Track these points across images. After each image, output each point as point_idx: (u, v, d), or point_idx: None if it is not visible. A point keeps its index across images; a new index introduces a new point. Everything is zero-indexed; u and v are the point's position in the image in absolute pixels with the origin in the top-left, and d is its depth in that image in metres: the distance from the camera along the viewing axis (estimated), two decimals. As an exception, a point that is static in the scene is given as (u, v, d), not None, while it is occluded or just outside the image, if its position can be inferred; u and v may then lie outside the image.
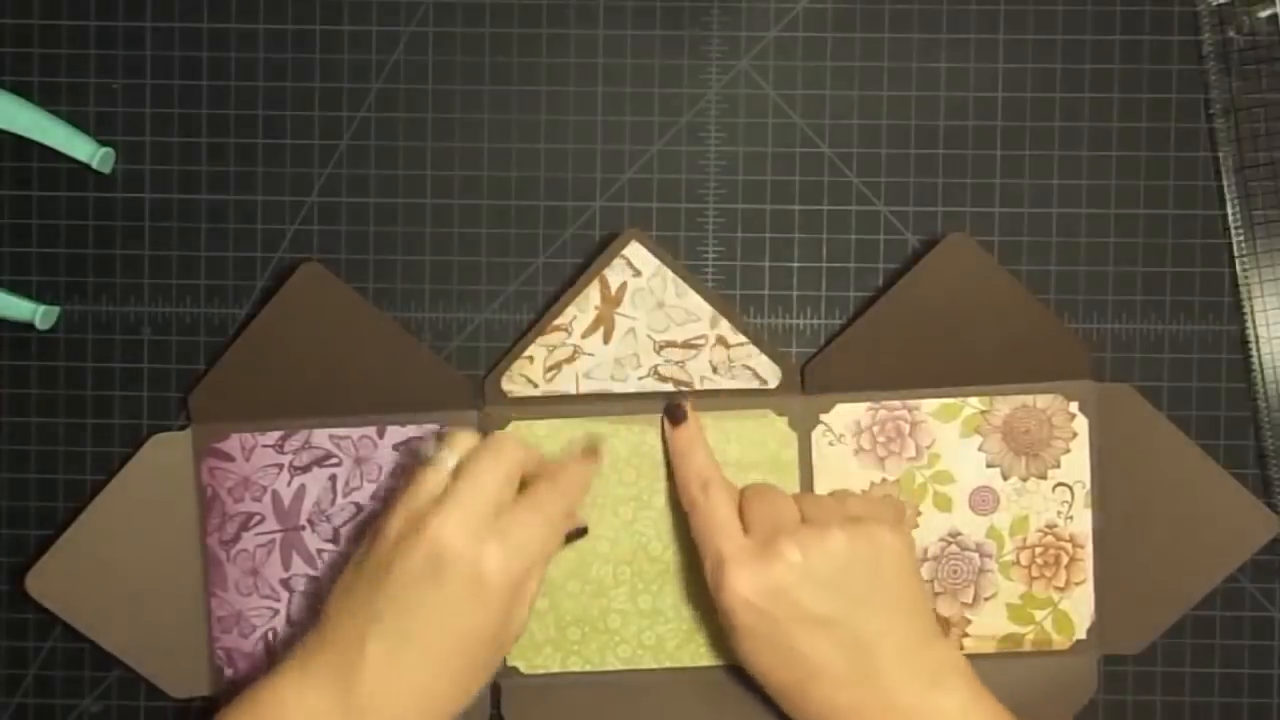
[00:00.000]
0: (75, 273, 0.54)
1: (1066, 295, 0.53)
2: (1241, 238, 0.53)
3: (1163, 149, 0.53)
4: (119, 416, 0.54)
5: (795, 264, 0.54)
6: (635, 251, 0.52)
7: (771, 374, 0.52)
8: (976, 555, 0.52)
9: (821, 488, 0.52)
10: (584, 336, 0.52)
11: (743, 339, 0.52)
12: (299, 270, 0.51)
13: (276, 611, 0.53)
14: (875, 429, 0.52)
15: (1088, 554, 0.52)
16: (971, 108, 0.53)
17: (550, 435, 0.52)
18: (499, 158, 0.54)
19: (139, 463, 0.52)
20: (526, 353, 0.52)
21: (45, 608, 0.52)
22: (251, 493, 0.52)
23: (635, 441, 0.52)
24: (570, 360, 0.52)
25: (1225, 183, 0.53)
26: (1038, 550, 0.52)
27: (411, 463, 0.48)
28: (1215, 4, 0.53)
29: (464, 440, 0.48)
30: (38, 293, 0.54)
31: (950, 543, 0.52)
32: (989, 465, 0.52)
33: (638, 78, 0.54)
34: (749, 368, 0.52)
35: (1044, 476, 0.52)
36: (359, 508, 0.53)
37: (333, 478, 0.52)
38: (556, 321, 0.52)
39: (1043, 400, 0.52)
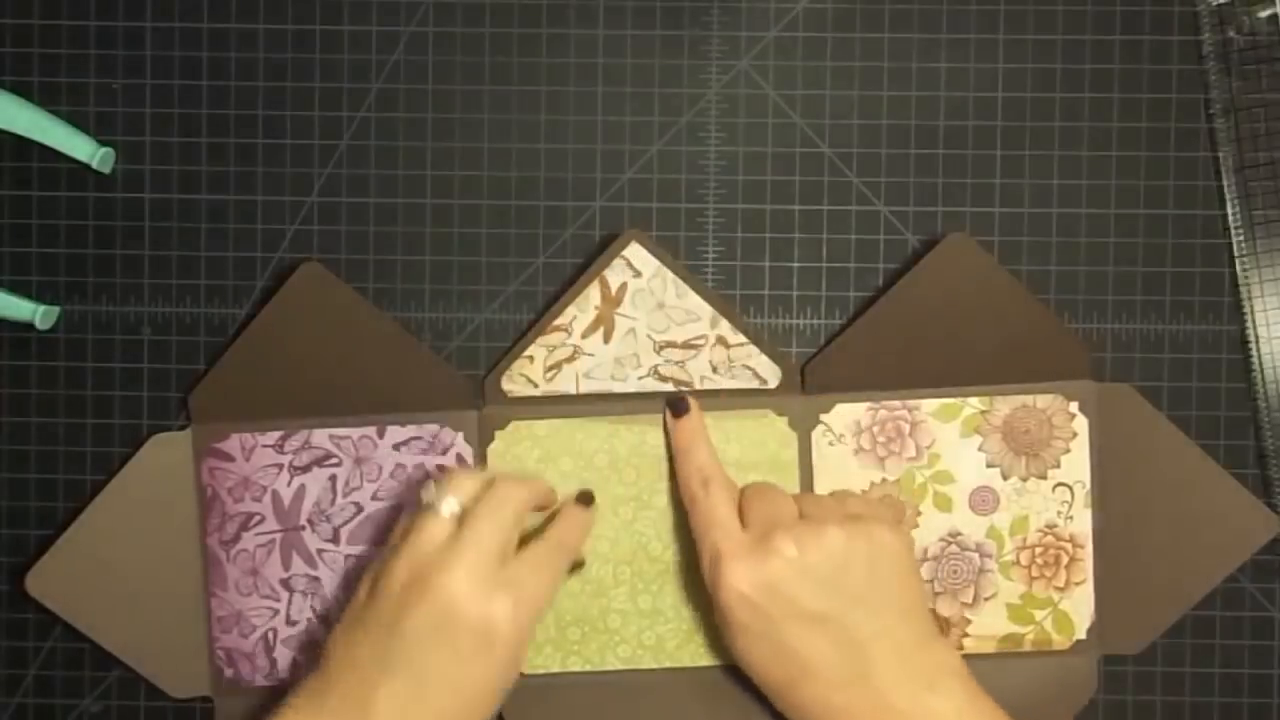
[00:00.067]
0: (75, 273, 0.54)
1: (1066, 295, 0.53)
2: (1241, 238, 0.53)
3: (1163, 149, 0.53)
4: (119, 416, 0.54)
5: (795, 264, 0.54)
6: (635, 252, 0.52)
7: (771, 374, 0.52)
8: (976, 555, 0.52)
9: (821, 488, 0.52)
10: (584, 336, 0.52)
11: (743, 339, 0.52)
12: (299, 270, 0.51)
13: (276, 611, 0.53)
14: (875, 429, 0.52)
15: (1088, 554, 0.52)
16: (971, 108, 0.53)
17: (550, 435, 0.52)
18: (499, 158, 0.54)
19: (139, 463, 0.52)
20: (526, 352, 0.52)
21: (45, 608, 0.52)
22: (251, 493, 0.52)
23: (635, 442, 0.52)
24: (570, 360, 0.52)
25: (1225, 183, 0.53)
26: (1038, 550, 0.52)
27: (412, 507, 0.48)
28: (1215, 4, 0.53)
29: (465, 484, 0.47)
30: (38, 293, 0.54)
31: (950, 543, 0.52)
32: (989, 465, 0.52)
33: (638, 78, 0.54)
34: (749, 368, 0.52)
35: (1044, 476, 0.52)
36: (359, 508, 0.53)
37: (333, 478, 0.52)
38: (557, 321, 0.52)
39: (1043, 400, 0.52)
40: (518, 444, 0.52)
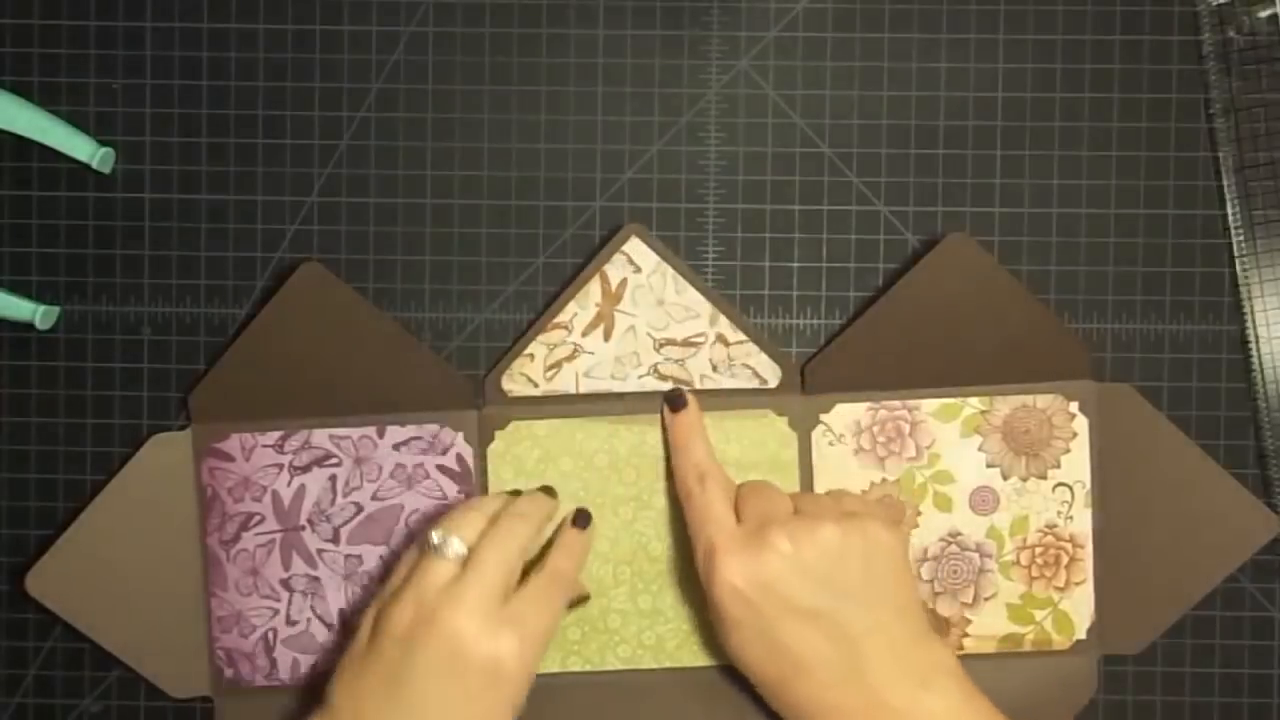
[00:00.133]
0: (75, 273, 0.54)
1: (1066, 295, 0.53)
2: (1241, 238, 0.53)
3: (1163, 149, 0.53)
4: (119, 416, 0.54)
5: (795, 264, 0.54)
6: (635, 247, 0.52)
7: (771, 373, 0.52)
8: (976, 555, 0.52)
9: (821, 488, 0.52)
10: (584, 334, 0.52)
11: (742, 337, 0.52)
12: (299, 270, 0.51)
13: (276, 611, 0.53)
14: (875, 429, 0.52)
15: (1088, 554, 0.52)
16: (971, 108, 0.53)
17: (550, 435, 0.52)
18: (499, 158, 0.54)
19: (139, 463, 0.52)
20: (527, 351, 0.52)
21: (45, 608, 0.52)
22: (251, 493, 0.52)
23: (635, 441, 0.52)
24: (570, 359, 0.52)
25: (1225, 183, 0.53)
26: (1038, 550, 0.52)
27: (415, 549, 0.48)
28: (1215, 4, 0.53)
29: (470, 524, 0.48)
30: (38, 293, 0.54)
31: (950, 543, 0.52)
32: (989, 465, 0.52)
33: (638, 78, 0.54)
34: (749, 366, 0.52)
35: (1044, 476, 0.52)
36: (359, 508, 0.53)
37: (333, 478, 0.52)
38: (557, 319, 0.52)
39: (1043, 400, 0.52)
40: (518, 444, 0.52)
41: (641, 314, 0.52)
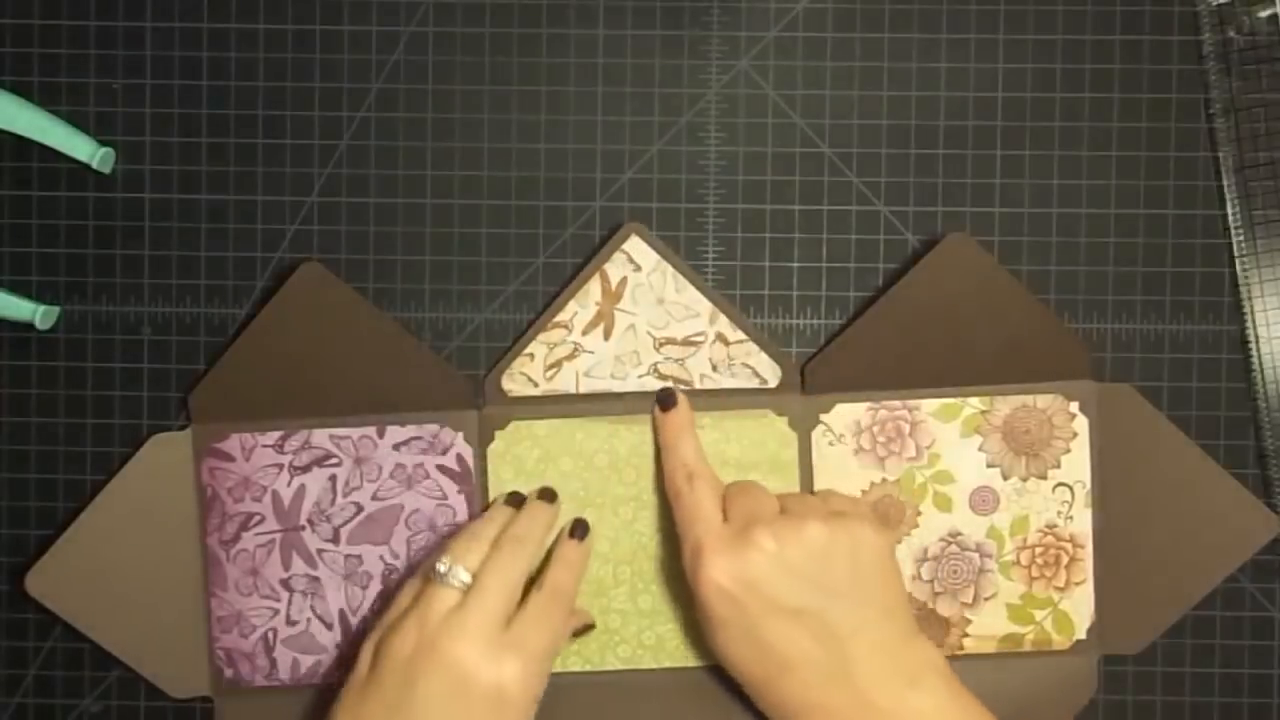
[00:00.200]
0: (75, 273, 0.54)
1: (1066, 295, 0.53)
2: (1241, 238, 0.53)
3: (1163, 149, 0.53)
4: (119, 416, 0.54)
5: (795, 264, 0.54)
6: (635, 245, 0.52)
7: (771, 373, 0.52)
8: (976, 555, 0.52)
9: (821, 487, 0.52)
10: (584, 333, 0.52)
11: (742, 336, 0.52)
12: (299, 270, 0.51)
13: (276, 611, 0.53)
14: (875, 429, 0.52)
15: (1088, 554, 0.52)
16: (971, 108, 0.53)
17: (550, 435, 0.52)
18: (499, 158, 0.54)
19: (139, 463, 0.52)
20: (527, 350, 0.52)
21: (45, 608, 0.52)
22: (251, 493, 0.52)
23: (635, 441, 0.52)
24: (570, 358, 0.52)
25: (1225, 183, 0.53)
26: (1038, 550, 0.52)
27: (418, 578, 0.49)
28: (1215, 4, 0.53)
29: (474, 552, 0.48)
30: (38, 293, 0.54)
31: (950, 543, 0.52)
32: (989, 465, 0.52)
33: (638, 78, 0.54)
34: (749, 366, 0.52)
35: (1044, 476, 0.52)
36: (359, 508, 0.53)
37: (333, 478, 0.52)
38: (558, 318, 0.52)
39: (1043, 400, 0.52)
40: (518, 444, 0.52)
41: (641, 313, 0.52)
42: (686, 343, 0.52)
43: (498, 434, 0.52)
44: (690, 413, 0.52)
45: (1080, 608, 0.52)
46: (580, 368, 0.52)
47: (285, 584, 0.53)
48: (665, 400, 0.52)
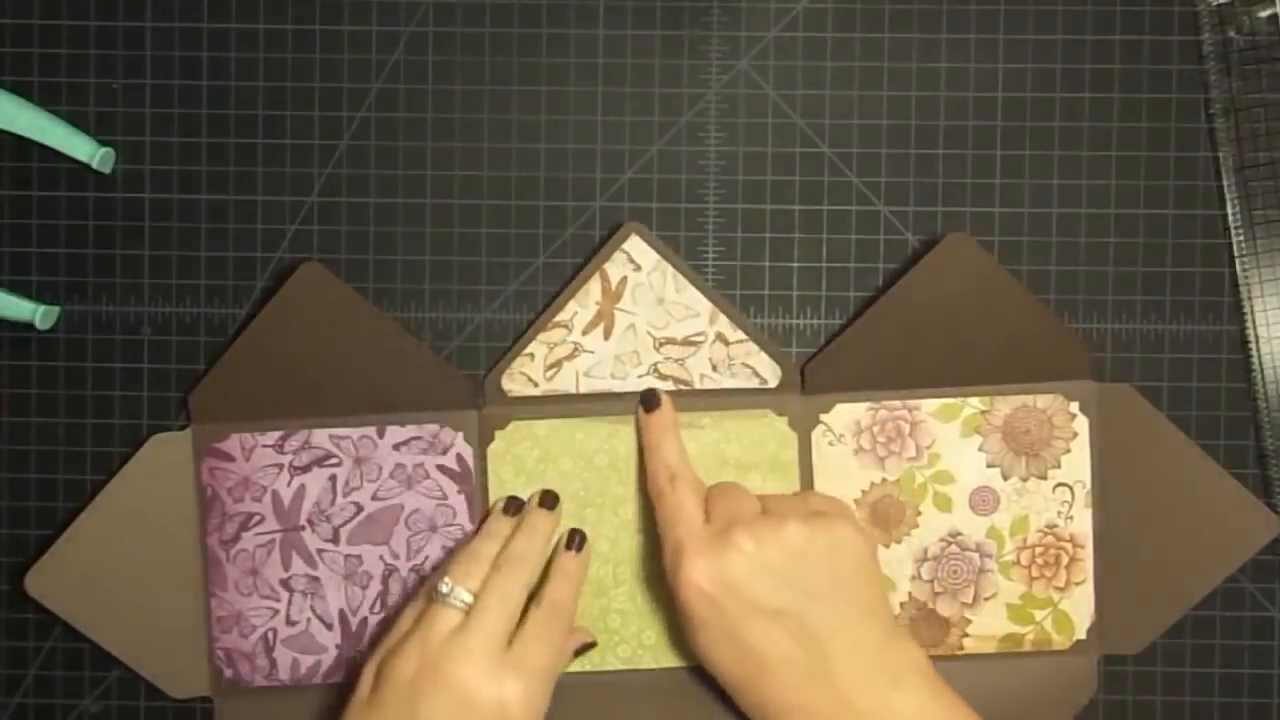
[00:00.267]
0: (75, 273, 0.54)
1: (1066, 295, 0.53)
2: (1241, 238, 0.53)
3: (1163, 149, 0.53)
4: (119, 416, 0.54)
5: (795, 264, 0.54)
6: (635, 245, 0.52)
7: (771, 373, 0.52)
8: (976, 555, 0.52)
9: (821, 487, 0.52)
10: (584, 333, 0.52)
11: (742, 336, 0.52)
12: (299, 270, 0.51)
13: (276, 611, 0.53)
14: (875, 429, 0.52)
15: (1088, 554, 0.52)
16: (971, 108, 0.53)
17: (550, 435, 0.52)
18: (499, 158, 0.54)
19: (139, 463, 0.52)
20: (527, 350, 0.52)
21: (45, 608, 0.52)
22: (251, 493, 0.52)
23: (635, 441, 0.52)
24: (571, 358, 0.52)
25: (1225, 183, 0.53)
26: (1038, 550, 0.52)
27: (420, 599, 0.49)
28: (1215, 4, 0.53)
29: (475, 572, 0.48)
30: (38, 293, 0.54)
31: (950, 543, 0.52)
32: (989, 465, 0.52)
33: (638, 78, 0.54)
34: (749, 366, 0.52)
35: (1044, 476, 0.52)
36: (359, 508, 0.53)
37: (333, 478, 0.52)
38: (558, 318, 0.52)
39: (1043, 400, 0.52)
40: (518, 444, 0.52)
41: (641, 312, 0.52)
42: (686, 343, 0.52)
43: (498, 434, 0.52)
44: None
45: (1080, 608, 0.52)
46: (580, 367, 0.52)
47: (285, 584, 0.53)
48: (649, 401, 0.52)
